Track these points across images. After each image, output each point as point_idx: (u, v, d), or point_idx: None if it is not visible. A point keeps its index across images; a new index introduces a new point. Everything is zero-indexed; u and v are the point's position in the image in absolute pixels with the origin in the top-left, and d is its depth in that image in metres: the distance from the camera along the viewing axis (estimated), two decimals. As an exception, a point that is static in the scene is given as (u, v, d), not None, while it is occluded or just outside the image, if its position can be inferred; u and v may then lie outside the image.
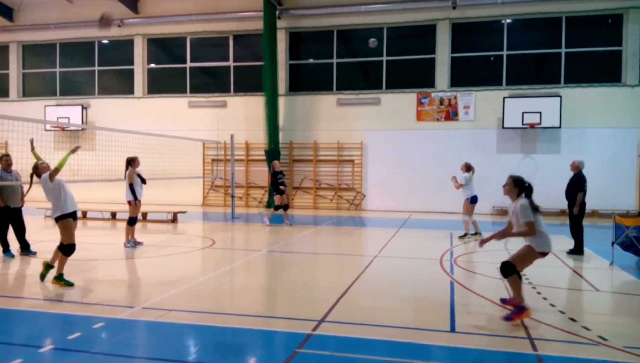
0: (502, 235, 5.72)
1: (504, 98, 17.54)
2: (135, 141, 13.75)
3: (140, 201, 10.34)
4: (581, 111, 17.27)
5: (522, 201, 5.48)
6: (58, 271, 6.83)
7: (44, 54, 22.71)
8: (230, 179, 16.85)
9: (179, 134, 17.02)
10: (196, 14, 20.26)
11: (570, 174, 9.77)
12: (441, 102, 18.41)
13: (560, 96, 17.18)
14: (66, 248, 6.87)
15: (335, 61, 19.65)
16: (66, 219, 6.87)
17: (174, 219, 14.67)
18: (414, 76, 18.99)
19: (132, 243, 10.14)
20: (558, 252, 9.80)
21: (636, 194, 16.99)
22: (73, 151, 7.09)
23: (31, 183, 7.52)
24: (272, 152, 18.96)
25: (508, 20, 18.20)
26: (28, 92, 22.92)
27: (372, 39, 13.16)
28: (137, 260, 9.03)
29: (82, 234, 12.04)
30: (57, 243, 7.00)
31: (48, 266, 6.99)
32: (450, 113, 18.35)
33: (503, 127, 17.62)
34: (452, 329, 5.16)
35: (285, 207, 14.13)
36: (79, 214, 14.86)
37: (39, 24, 21.90)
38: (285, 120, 19.75)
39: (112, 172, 14.04)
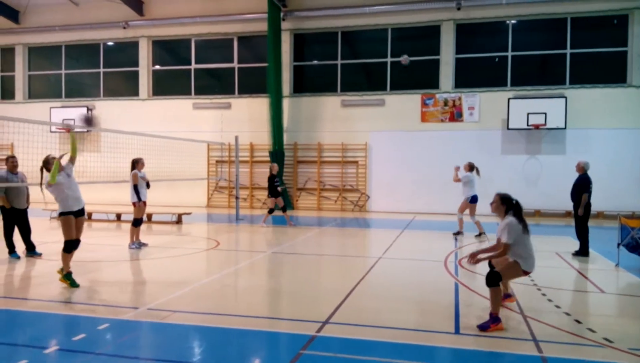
0: (488, 255, 5.56)
1: (508, 99, 17.50)
2: (140, 142, 13.79)
3: (144, 202, 10.34)
4: (586, 112, 17.20)
5: (509, 219, 5.39)
6: (65, 270, 6.86)
7: (49, 56, 22.83)
8: (234, 180, 16.86)
9: (184, 135, 17.05)
10: (201, 15, 20.32)
11: (576, 175, 9.73)
12: (445, 103, 18.38)
13: (565, 97, 17.12)
14: (65, 244, 6.89)
15: (339, 62, 19.66)
16: (66, 216, 6.90)
17: (179, 221, 14.70)
18: (418, 77, 18.98)
19: (137, 245, 10.16)
20: (563, 254, 9.77)
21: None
22: (73, 134, 7.13)
23: (42, 177, 7.44)
24: (277, 153, 18.97)
25: (513, 21, 18.16)
26: (33, 94, 23.04)
27: (405, 56, 12.86)
28: (142, 261, 9.05)
29: (87, 235, 12.07)
30: (63, 246, 7.02)
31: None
32: (455, 114, 18.32)
33: (508, 129, 17.58)
34: (457, 331, 5.15)
35: (284, 208, 14.10)
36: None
37: (44, 26, 22.03)
38: (290, 121, 19.76)
39: (117, 173, 14.08)
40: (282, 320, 5.59)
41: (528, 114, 17.14)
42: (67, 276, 6.81)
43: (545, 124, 17.06)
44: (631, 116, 16.90)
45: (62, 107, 21.73)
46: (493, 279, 5.25)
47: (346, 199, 19.48)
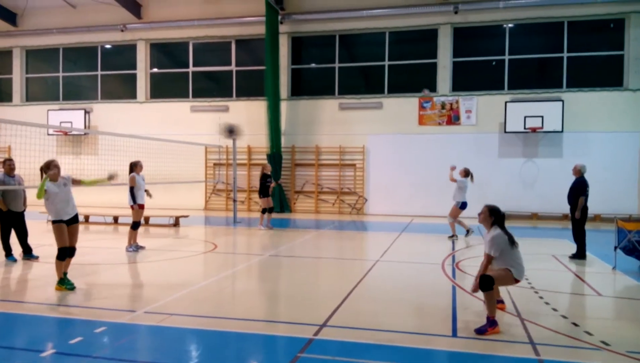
0: (479, 274, 5.52)
1: (505, 102, 17.55)
2: (137, 145, 13.78)
3: (142, 205, 10.32)
4: (583, 115, 17.25)
5: (495, 232, 5.44)
6: (58, 276, 6.83)
7: (47, 59, 22.81)
8: (232, 183, 16.86)
9: (181, 138, 17.06)
10: (199, 19, 20.35)
11: (573, 178, 9.76)
12: (443, 106, 18.42)
13: (562, 100, 17.18)
14: (58, 252, 6.85)
15: (337, 65, 19.69)
16: (58, 224, 6.88)
17: (176, 224, 14.68)
18: (415, 80, 19.02)
19: (134, 248, 10.14)
20: (561, 256, 9.79)
21: (638, 198, 16.94)
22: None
23: (42, 178, 7.31)
24: (274, 156, 18.98)
25: (510, 25, 18.23)
26: (31, 96, 23.01)
27: (426, 91, 12.77)
28: (139, 264, 9.04)
29: (84, 238, 12.06)
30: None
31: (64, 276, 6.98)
32: (452, 117, 18.36)
33: (505, 132, 17.62)
34: (454, 334, 5.15)
35: (270, 210, 14.07)
36: (81, 218, 14.93)
37: (42, 29, 22.02)
38: (288, 124, 19.78)
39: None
40: (279, 323, 5.58)
41: (525, 117, 17.19)
42: (61, 282, 6.79)
43: (542, 128, 17.11)
44: (628, 119, 16.97)
45: (60, 110, 21.70)
46: (486, 283, 5.26)
47: (344, 202, 19.49)
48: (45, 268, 7.79)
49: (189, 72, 21.08)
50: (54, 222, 6.89)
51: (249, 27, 19.99)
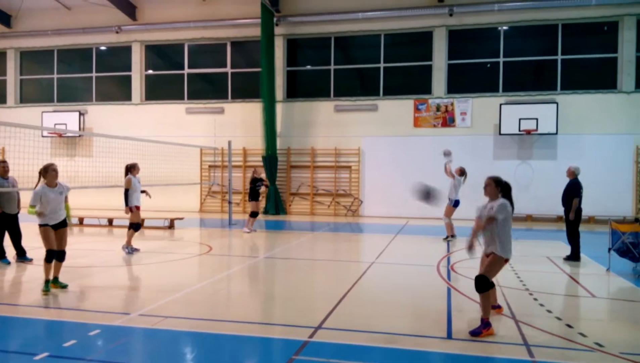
0: (474, 232, 5.55)
1: (500, 105, 17.61)
2: (132, 147, 13.75)
3: (137, 207, 10.29)
4: (577, 117, 17.33)
5: (503, 200, 5.43)
6: (45, 277, 6.86)
7: (41, 61, 22.73)
8: (227, 185, 16.85)
9: (177, 140, 17.02)
10: (194, 20, 20.33)
11: (567, 180, 9.79)
12: (438, 108, 18.47)
13: (557, 103, 17.26)
14: (46, 253, 6.89)
15: (332, 67, 19.71)
16: (44, 227, 6.90)
17: (171, 226, 14.64)
18: (411, 83, 19.07)
19: (130, 249, 10.09)
20: (555, 258, 9.82)
21: (632, 200, 17.03)
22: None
23: (38, 182, 7.23)
24: (270, 158, 18.98)
25: (504, 27, 18.30)
26: (25, 98, 22.92)
27: (447, 151, 12.89)
28: (134, 267, 9.01)
29: (78, 240, 12.02)
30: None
31: (55, 282, 7.01)
32: (447, 119, 18.41)
33: (500, 134, 17.68)
34: (449, 335, 5.16)
35: (255, 214, 13.86)
36: (75, 221, 14.89)
37: (36, 31, 21.94)
38: (283, 126, 19.78)
39: (109, 178, 14.04)
40: (274, 326, 5.58)
41: (520, 119, 17.26)
42: (47, 285, 6.80)
43: (536, 130, 17.17)
44: (622, 122, 17.05)
45: (54, 111, 21.62)
46: (482, 284, 5.27)
47: (339, 204, 19.49)
48: (39, 270, 7.74)
49: (184, 74, 21.05)
50: (40, 225, 6.91)
51: (244, 29, 19.99)
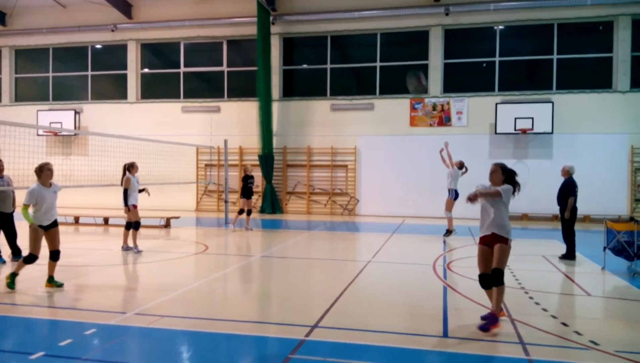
0: (481, 193, 5.60)
1: (496, 104, 17.65)
2: (128, 146, 13.71)
3: (135, 206, 10.26)
4: (573, 116, 17.39)
5: (507, 186, 5.58)
6: (14, 271, 6.87)
7: (36, 59, 22.64)
8: (223, 184, 16.82)
9: (173, 139, 16.99)
10: (190, 19, 20.28)
11: (562, 179, 9.83)
12: (434, 107, 18.49)
13: (552, 102, 17.31)
14: (28, 256, 6.84)
15: (329, 66, 19.71)
16: (35, 228, 6.80)
17: (167, 225, 14.61)
18: (407, 82, 19.06)
19: (134, 248, 10.05)
20: (550, 257, 9.86)
21: (627, 199, 17.11)
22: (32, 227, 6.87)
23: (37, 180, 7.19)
24: (266, 157, 18.96)
25: (500, 27, 18.34)
26: (20, 97, 22.81)
27: (422, 77, 12.88)
28: (130, 266, 8.99)
29: (74, 239, 11.98)
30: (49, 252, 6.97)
31: (51, 281, 6.97)
32: (443, 119, 18.44)
33: (495, 133, 17.72)
34: (445, 334, 5.17)
35: (249, 212, 13.92)
36: (71, 219, 14.85)
37: (31, 29, 21.84)
38: (279, 125, 19.76)
39: (105, 177, 13.99)
40: (270, 325, 5.57)
41: (515, 118, 17.30)
42: (12, 277, 6.84)
43: (532, 129, 17.22)
44: (617, 121, 17.12)
45: (50, 110, 21.54)
46: (499, 276, 5.29)
47: (335, 203, 19.50)
48: (34, 270, 7.71)
49: (180, 72, 21.00)
50: (31, 225, 6.81)
51: (240, 27, 19.95)
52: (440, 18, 18.36)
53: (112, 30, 21.00)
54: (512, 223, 5.67)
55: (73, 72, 22.29)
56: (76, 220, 15.23)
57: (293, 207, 19.82)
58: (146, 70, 21.51)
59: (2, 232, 8.98)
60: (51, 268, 6.97)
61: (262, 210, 19.23)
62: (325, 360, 4.39)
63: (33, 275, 7.60)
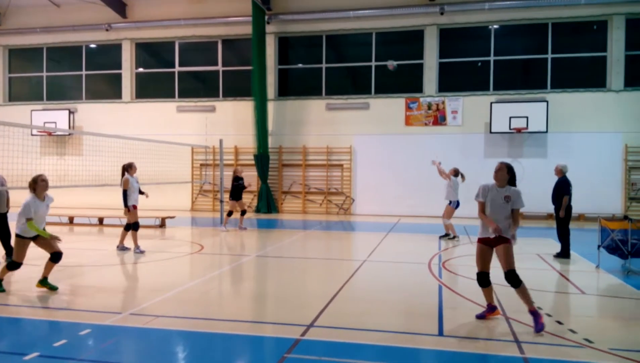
0: (516, 228, 5.58)
1: (491, 103, 17.70)
2: (122, 146, 13.67)
3: (135, 206, 10.23)
4: (567, 115, 17.46)
5: (517, 189, 5.63)
6: (0, 276, 6.78)
7: (30, 58, 22.53)
8: (218, 184, 16.79)
9: (168, 138, 16.95)
10: (185, 18, 20.23)
11: (557, 178, 9.86)
12: (429, 107, 18.53)
13: (547, 101, 17.37)
14: (11, 263, 6.75)
15: (324, 65, 19.70)
16: (22, 239, 6.69)
17: (162, 225, 14.57)
18: (402, 81, 19.11)
19: (137, 249, 10.00)
20: (545, 255, 9.89)
21: (621, 198, 17.20)
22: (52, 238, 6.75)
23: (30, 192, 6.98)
24: (261, 157, 18.95)
25: (495, 26, 18.39)
26: (14, 96, 22.70)
27: (391, 61, 12.97)
28: (124, 266, 8.96)
29: (68, 239, 11.92)
30: (46, 254, 6.89)
31: (44, 282, 6.85)
32: (439, 118, 18.47)
33: (490, 132, 17.76)
34: (440, 333, 5.18)
35: (243, 212, 13.90)
36: (65, 219, 14.79)
37: (25, 28, 21.72)
38: (275, 125, 19.74)
39: (99, 177, 13.95)
40: (266, 324, 5.57)
41: (510, 118, 17.35)
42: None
43: (527, 128, 17.28)
44: (611, 120, 17.20)
45: (44, 110, 21.43)
46: (516, 278, 5.34)
47: (331, 202, 19.50)
48: (28, 270, 7.68)
49: (175, 72, 20.95)
50: (18, 236, 6.68)
51: (235, 27, 19.92)
52: (435, 17, 18.39)
53: (107, 30, 20.93)
54: (506, 222, 5.68)
55: (67, 72, 22.20)
56: (70, 220, 15.17)
57: (289, 207, 19.81)
58: (141, 69, 21.45)
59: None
60: (48, 269, 6.84)
61: (258, 210, 19.21)
62: (320, 359, 4.39)
63: (28, 276, 7.57)
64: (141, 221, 14.89)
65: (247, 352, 4.79)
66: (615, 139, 17.16)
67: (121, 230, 10.47)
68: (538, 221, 17.15)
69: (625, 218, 8.63)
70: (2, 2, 21.64)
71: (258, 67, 18.81)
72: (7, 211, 9.06)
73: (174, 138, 17.76)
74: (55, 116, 20.98)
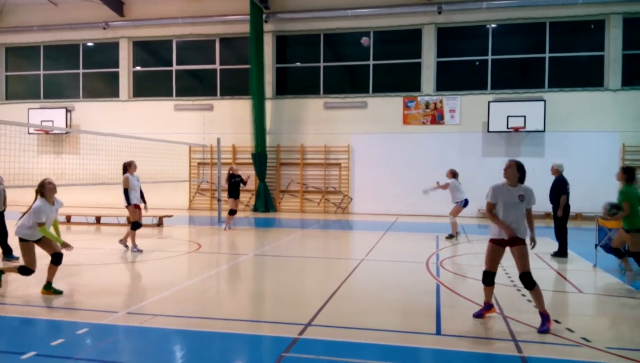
0: (511, 230, 5.57)
1: (488, 102, 17.71)
2: (120, 144, 13.64)
3: (136, 205, 10.20)
4: (565, 115, 17.49)
5: (530, 188, 5.66)
6: (5, 270, 6.75)
7: (27, 57, 22.45)
8: (216, 182, 16.77)
9: (165, 137, 16.92)
10: (182, 17, 20.18)
11: (554, 178, 9.88)
12: (427, 106, 18.53)
13: (544, 100, 17.39)
14: (23, 268, 6.62)
15: (322, 64, 19.68)
16: (27, 243, 6.60)
17: (160, 223, 14.55)
18: (400, 80, 19.11)
19: (135, 248, 9.99)
20: (542, 254, 9.91)
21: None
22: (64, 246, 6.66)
23: (34, 199, 6.70)
24: (259, 155, 18.92)
25: (493, 25, 18.39)
26: (11, 95, 22.62)
27: (365, 38, 13.15)
28: (122, 265, 8.95)
29: (66, 238, 11.88)
30: (48, 258, 6.80)
31: (48, 287, 6.66)
32: (436, 117, 18.48)
33: (488, 131, 17.78)
34: (438, 332, 5.19)
35: (234, 212, 13.80)
36: (62, 218, 14.76)
37: (22, 26, 21.64)
38: (272, 123, 19.73)
39: (96, 176, 13.91)
40: (264, 323, 5.56)
41: (508, 117, 17.37)
42: None
43: (524, 127, 17.30)
44: (608, 119, 17.23)
45: (41, 108, 21.37)
46: (529, 280, 5.35)
47: (329, 201, 19.50)
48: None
49: (172, 70, 20.90)
50: (22, 240, 6.59)
51: (233, 25, 19.88)
52: (433, 16, 18.39)
53: (104, 28, 20.87)
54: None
55: (64, 70, 22.13)
56: (68, 219, 15.14)
57: (286, 205, 19.80)
58: (138, 68, 21.40)
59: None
60: (51, 273, 6.64)
61: (256, 209, 19.20)
62: (318, 358, 4.39)
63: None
64: (139, 220, 14.94)
65: (244, 351, 4.78)
66: (613, 138, 17.19)
67: (119, 229, 10.44)
68: (536, 220, 17.07)
69: (623, 217, 8.63)
70: (-2, 0, 21.57)
71: (256, 65, 18.78)
72: (4, 210, 9.04)
73: (172, 137, 17.73)
74: (53, 115, 20.92)
